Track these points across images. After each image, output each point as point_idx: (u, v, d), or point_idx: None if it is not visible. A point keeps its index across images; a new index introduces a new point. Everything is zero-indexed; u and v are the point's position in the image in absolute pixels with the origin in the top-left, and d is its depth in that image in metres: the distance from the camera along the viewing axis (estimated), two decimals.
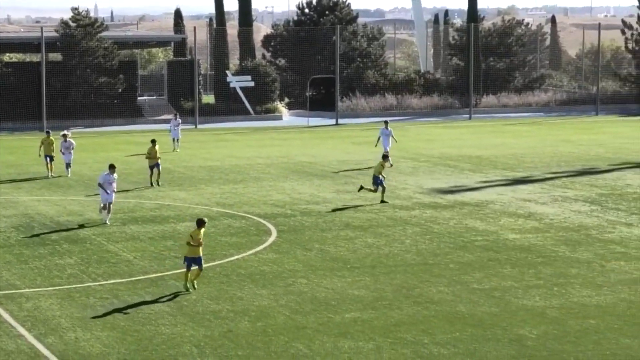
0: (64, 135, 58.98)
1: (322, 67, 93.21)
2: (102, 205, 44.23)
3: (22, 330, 28.71)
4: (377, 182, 48.30)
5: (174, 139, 69.45)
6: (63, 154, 58.12)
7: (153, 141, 54.37)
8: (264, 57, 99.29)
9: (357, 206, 47.68)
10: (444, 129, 78.18)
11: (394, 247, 39.54)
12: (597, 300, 31.97)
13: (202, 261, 32.94)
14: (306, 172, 58.34)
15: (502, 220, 44.37)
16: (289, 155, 65.96)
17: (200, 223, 33.05)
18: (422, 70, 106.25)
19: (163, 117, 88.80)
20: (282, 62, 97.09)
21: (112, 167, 44.65)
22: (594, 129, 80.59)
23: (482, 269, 36.01)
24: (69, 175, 57.34)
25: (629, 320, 29.83)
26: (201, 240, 32.87)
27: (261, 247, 39.81)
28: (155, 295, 32.42)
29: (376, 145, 61.83)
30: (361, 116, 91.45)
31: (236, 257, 38.10)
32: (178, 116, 71.13)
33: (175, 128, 70.04)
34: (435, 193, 50.97)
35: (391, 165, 51.27)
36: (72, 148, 58.25)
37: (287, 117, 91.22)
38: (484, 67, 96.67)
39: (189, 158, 64.75)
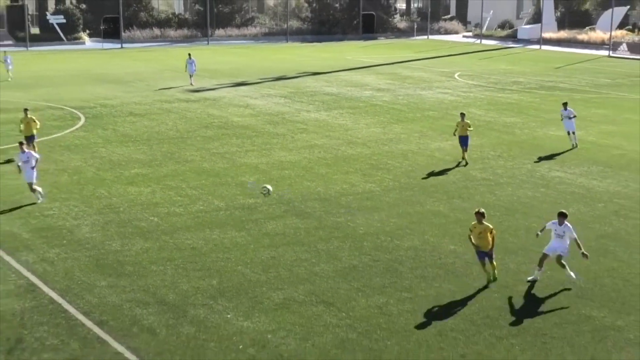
0: None
1: (111, 9, 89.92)
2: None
3: None
4: (465, 142, 31.47)
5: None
6: None
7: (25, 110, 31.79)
8: (71, 2, 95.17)
9: (137, 102, 46.28)
10: (191, 51, 76.58)
11: (162, 127, 38.74)
12: (289, 158, 32.28)
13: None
14: (102, 80, 56.20)
15: (230, 109, 43.94)
16: (90, 68, 63.37)
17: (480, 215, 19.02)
18: (176, 12, 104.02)
19: (3, 42, 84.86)
20: (83, 6, 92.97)
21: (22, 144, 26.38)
22: (285, 51, 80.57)
23: (218, 140, 35.71)
24: None
25: (309, 170, 30.30)
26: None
27: (74, 127, 38.40)
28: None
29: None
30: (137, 42, 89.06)
31: (58, 134, 36.65)
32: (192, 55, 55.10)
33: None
34: (187, 92, 50.02)
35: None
36: None
37: (88, 43, 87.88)
38: (215, 11, 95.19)
39: (24, 69, 61.32)
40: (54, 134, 36.76)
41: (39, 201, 25.35)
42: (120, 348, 15.95)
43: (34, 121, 30.88)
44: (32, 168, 25.35)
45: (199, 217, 24.32)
